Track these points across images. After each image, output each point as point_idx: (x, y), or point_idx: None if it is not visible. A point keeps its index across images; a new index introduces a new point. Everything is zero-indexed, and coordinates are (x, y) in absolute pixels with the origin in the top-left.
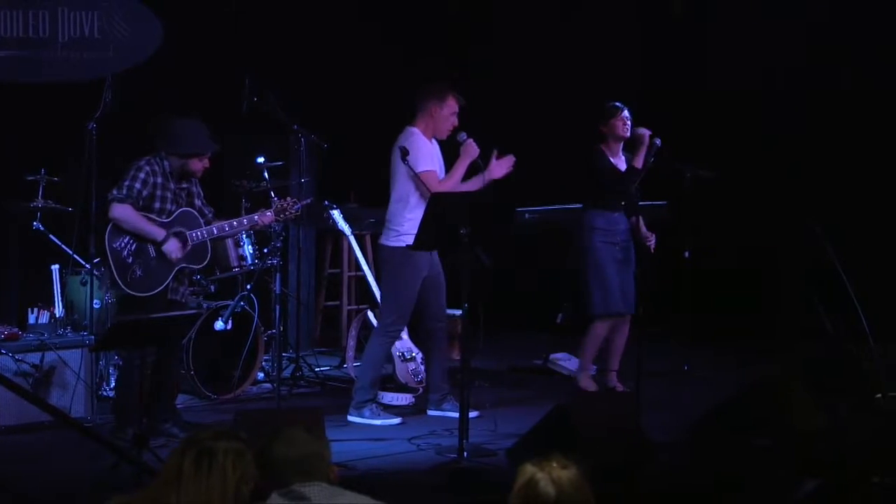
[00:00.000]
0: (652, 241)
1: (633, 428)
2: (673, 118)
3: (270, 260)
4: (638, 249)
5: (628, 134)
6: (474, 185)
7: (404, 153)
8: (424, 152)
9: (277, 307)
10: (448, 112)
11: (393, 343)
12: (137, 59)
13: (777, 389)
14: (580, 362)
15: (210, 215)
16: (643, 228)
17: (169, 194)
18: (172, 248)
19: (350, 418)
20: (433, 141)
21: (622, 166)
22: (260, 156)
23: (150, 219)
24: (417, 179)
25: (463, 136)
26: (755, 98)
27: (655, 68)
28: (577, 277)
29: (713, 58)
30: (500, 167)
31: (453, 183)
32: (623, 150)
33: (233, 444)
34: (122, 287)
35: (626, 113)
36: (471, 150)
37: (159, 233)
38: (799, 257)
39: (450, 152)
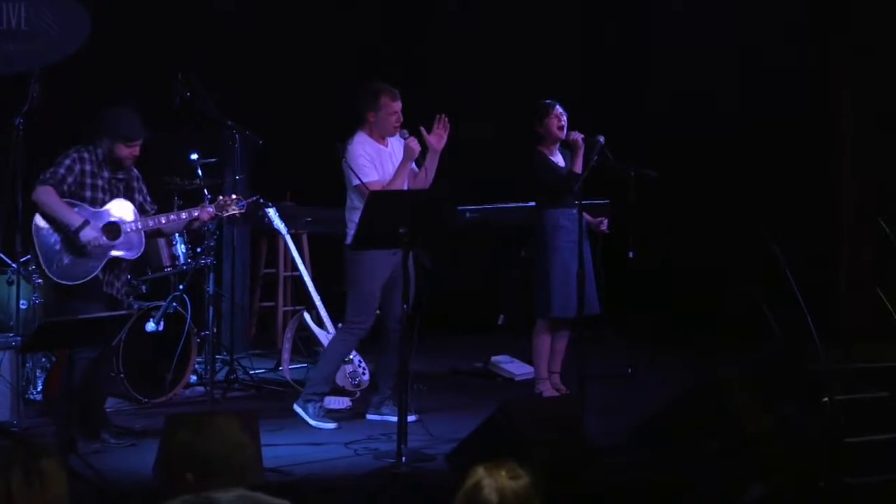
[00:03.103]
0: (604, 224)
1: (577, 432)
2: (615, 117)
3: (204, 259)
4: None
5: (564, 133)
6: (430, 169)
7: (342, 153)
8: (361, 163)
9: (211, 308)
10: (385, 113)
11: (357, 340)
12: (65, 53)
13: (722, 391)
14: (536, 371)
15: (153, 212)
16: (588, 218)
17: (101, 182)
18: (89, 236)
19: (295, 407)
20: (389, 141)
21: (562, 163)
22: (193, 152)
23: (73, 206)
24: (358, 189)
25: (404, 133)
26: (700, 97)
27: (598, 65)
28: (536, 277)
29: (657, 52)
30: (436, 138)
31: (396, 188)
32: (561, 147)
33: (52, 461)
34: (49, 275)
35: (559, 109)
36: (410, 152)
37: (76, 219)
38: (745, 258)
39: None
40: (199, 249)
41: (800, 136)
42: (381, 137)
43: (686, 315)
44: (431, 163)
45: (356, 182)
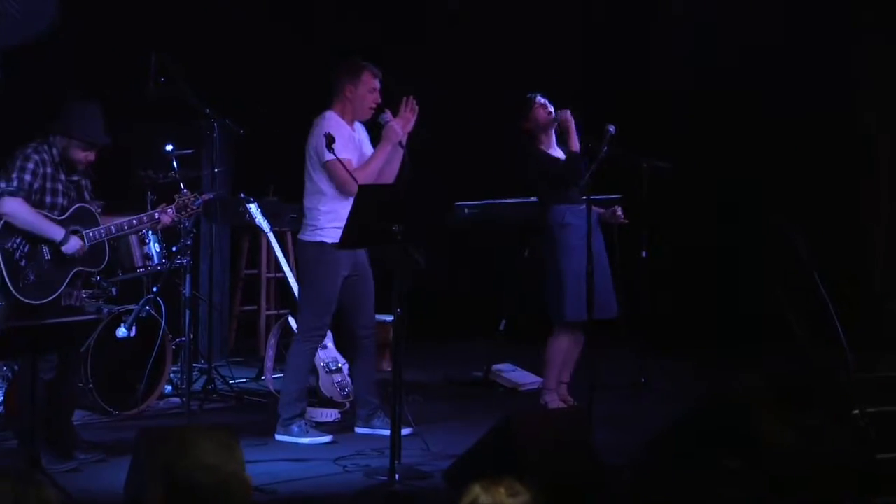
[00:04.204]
0: (618, 211)
1: (584, 447)
2: (619, 108)
3: (180, 259)
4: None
5: (553, 118)
6: (395, 160)
7: (330, 140)
8: (343, 141)
9: (187, 312)
10: (365, 90)
11: (316, 350)
12: (30, 35)
13: (742, 403)
14: (545, 380)
15: (98, 210)
16: (599, 210)
17: (60, 186)
18: (74, 247)
19: (278, 437)
20: (356, 125)
21: (563, 157)
22: (168, 143)
23: (45, 216)
24: (328, 166)
25: (386, 116)
26: (717, 84)
27: (599, 56)
28: (547, 279)
29: (665, 43)
30: (403, 122)
31: (370, 172)
32: (559, 143)
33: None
34: (14, 294)
35: (540, 99)
36: (391, 133)
37: (58, 231)
38: (768, 258)
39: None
40: (174, 248)
41: (830, 128)
42: (351, 120)
43: (703, 320)
44: (396, 152)
45: (328, 157)
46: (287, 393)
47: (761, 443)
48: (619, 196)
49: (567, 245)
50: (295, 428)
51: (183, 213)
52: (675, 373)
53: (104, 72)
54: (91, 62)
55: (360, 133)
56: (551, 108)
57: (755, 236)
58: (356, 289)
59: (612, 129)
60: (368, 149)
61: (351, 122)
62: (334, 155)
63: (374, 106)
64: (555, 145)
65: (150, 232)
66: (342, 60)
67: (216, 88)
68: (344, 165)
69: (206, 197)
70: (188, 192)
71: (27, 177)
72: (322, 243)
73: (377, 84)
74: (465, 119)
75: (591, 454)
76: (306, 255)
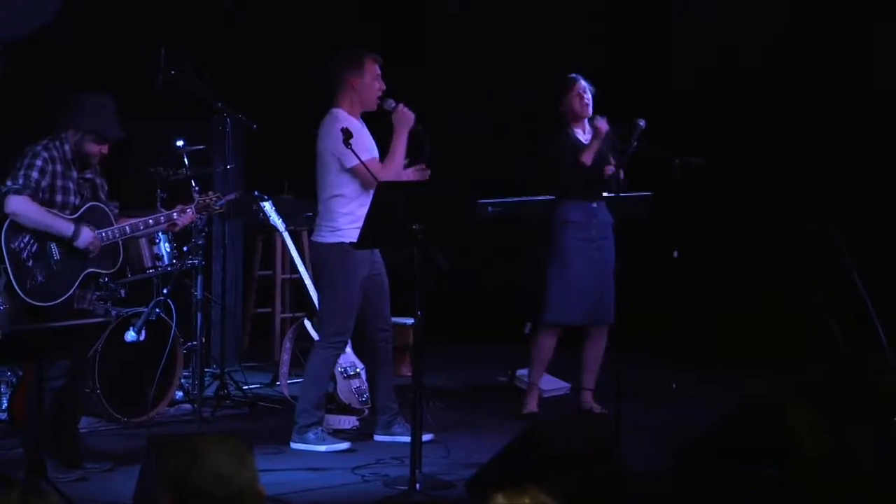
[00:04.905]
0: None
1: (610, 456)
2: (647, 101)
3: (191, 260)
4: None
5: (589, 111)
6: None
7: (347, 135)
8: (359, 137)
9: (199, 315)
10: (370, 78)
11: (338, 356)
12: (34, 25)
13: (778, 409)
14: (528, 380)
15: (114, 211)
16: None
17: (71, 185)
18: (87, 239)
19: (293, 446)
20: (360, 120)
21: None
22: (178, 139)
23: (53, 213)
24: (356, 171)
25: (391, 103)
26: (743, 73)
27: (623, 47)
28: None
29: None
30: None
31: (395, 165)
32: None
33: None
34: (22, 295)
35: (582, 84)
36: (405, 118)
37: (67, 226)
38: (805, 257)
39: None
40: (185, 248)
41: (869, 124)
42: (358, 114)
43: (737, 322)
44: (400, 142)
45: (353, 163)
46: (305, 400)
47: (798, 451)
48: (649, 193)
49: (561, 244)
50: (311, 435)
51: (203, 213)
52: (707, 378)
53: (112, 65)
54: (98, 55)
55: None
56: (588, 99)
57: (792, 236)
58: (373, 289)
59: (642, 123)
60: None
61: (359, 115)
62: (357, 157)
63: (380, 94)
64: (586, 132)
65: (159, 231)
66: (339, 54)
67: (228, 81)
68: (368, 168)
69: (229, 197)
70: (211, 193)
71: (34, 174)
72: (342, 244)
73: (379, 70)
74: (490, 113)
75: (617, 463)
76: (325, 258)
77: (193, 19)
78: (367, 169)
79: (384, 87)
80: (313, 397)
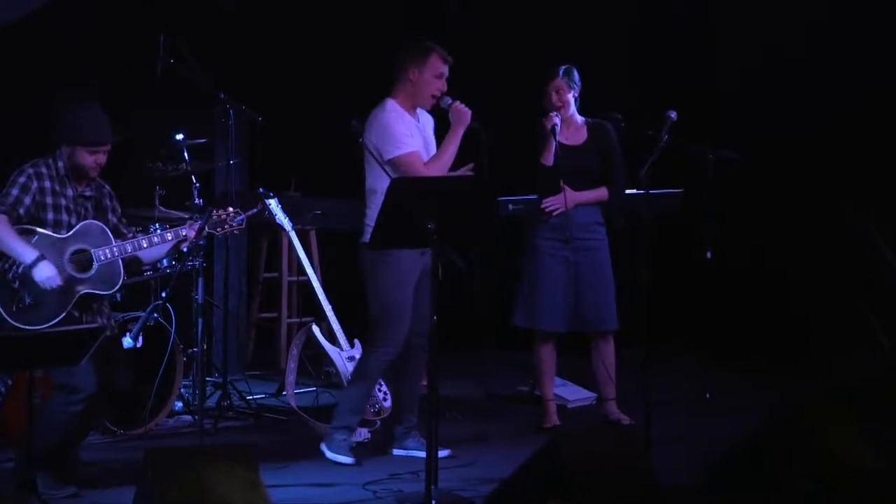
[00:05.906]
0: None
1: (638, 469)
2: (682, 94)
3: (191, 261)
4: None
5: (561, 105)
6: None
7: (357, 130)
8: (400, 131)
9: (200, 320)
10: (431, 75)
11: (388, 362)
12: (22, 12)
13: (817, 418)
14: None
15: (129, 235)
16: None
17: (64, 202)
18: (44, 274)
19: (321, 446)
20: (417, 113)
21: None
22: (178, 132)
23: (31, 233)
24: (391, 166)
25: (447, 100)
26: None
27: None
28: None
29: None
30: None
31: (444, 163)
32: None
33: None
34: (7, 319)
35: (558, 82)
36: (461, 115)
37: (28, 255)
38: (847, 259)
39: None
40: (185, 249)
41: None
42: (412, 108)
43: (774, 327)
44: (454, 139)
45: (394, 154)
46: (344, 400)
47: (838, 462)
48: (680, 190)
49: (531, 244)
50: (338, 435)
51: (218, 230)
52: (742, 387)
53: (109, 55)
54: (94, 44)
55: (423, 119)
56: (566, 98)
57: (833, 236)
58: (417, 294)
59: (672, 115)
60: (432, 138)
61: (413, 109)
62: (392, 153)
63: (437, 94)
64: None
65: (157, 228)
66: (408, 41)
67: (231, 71)
68: (412, 161)
69: (251, 212)
70: (231, 209)
71: (14, 191)
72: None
73: (445, 70)
74: (513, 109)
75: (646, 476)
76: (365, 258)
77: (197, 6)
78: (412, 161)
79: (444, 89)
80: (352, 401)
